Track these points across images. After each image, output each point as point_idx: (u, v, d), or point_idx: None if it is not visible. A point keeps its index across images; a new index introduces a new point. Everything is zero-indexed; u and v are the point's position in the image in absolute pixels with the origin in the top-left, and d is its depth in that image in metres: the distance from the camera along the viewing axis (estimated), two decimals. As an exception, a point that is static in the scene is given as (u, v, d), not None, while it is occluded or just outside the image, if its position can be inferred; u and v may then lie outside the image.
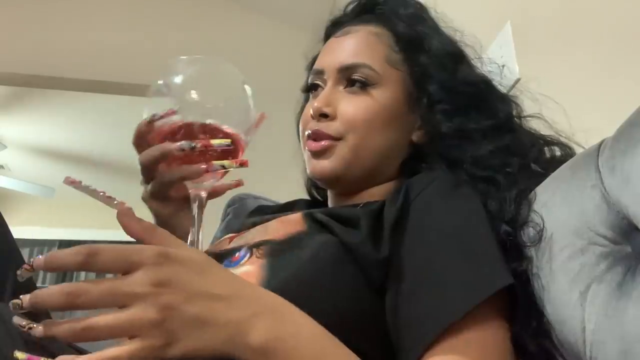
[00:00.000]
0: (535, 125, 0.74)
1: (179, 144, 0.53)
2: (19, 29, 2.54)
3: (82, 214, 4.58)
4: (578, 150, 0.69)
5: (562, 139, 0.71)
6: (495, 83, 0.76)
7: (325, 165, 0.70)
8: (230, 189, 0.72)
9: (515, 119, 0.73)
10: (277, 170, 1.53)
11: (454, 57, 0.75)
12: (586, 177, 0.53)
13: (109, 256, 0.39)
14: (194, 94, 0.54)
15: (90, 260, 0.38)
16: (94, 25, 2.62)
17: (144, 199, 0.66)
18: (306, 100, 0.83)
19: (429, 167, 0.69)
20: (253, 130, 0.59)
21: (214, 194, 0.67)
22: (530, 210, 0.59)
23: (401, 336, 0.52)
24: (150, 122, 0.56)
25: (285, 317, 0.44)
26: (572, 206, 0.54)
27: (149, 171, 0.62)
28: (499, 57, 1.08)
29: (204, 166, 0.54)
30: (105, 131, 3.74)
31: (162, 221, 0.68)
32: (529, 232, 0.58)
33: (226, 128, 0.55)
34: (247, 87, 0.58)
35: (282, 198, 0.91)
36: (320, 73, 0.75)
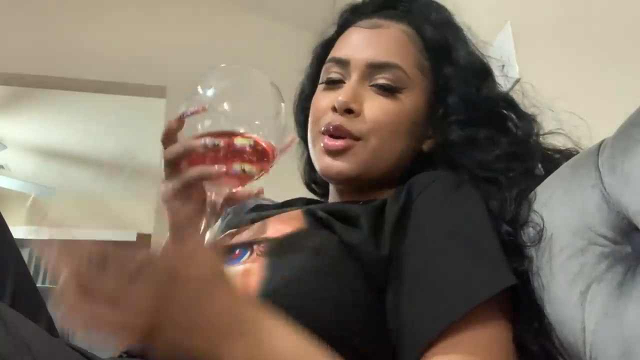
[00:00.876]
0: (553, 138, 0.71)
1: (202, 140, 0.54)
2: (19, 29, 2.54)
3: (82, 214, 4.58)
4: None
5: (580, 150, 0.68)
6: (517, 101, 0.74)
7: (342, 165, 0.68)
8: (250, 197, 0.68)
9: (534, 137, 0.71)
10: (277, 170, 1.53)
11: (480, 74, 0.73)
12: (586, 176, 0.53)
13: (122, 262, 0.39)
14: (227, 105, 0.55)
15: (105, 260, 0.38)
16: (94, 26, 2.62)
17: (163, 198, 0.63)
18: (311, 86, 0.80)
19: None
20: (284, 150, 0.60)
21: (232, 201, 0.65)
22: (531, 210, 0.59)
23: (402, 335, 0.52)
24: (181, 118, 0.56)
25: (263, 341, 0.43)
26: (572, 206, 0.54)
27: (172, 168, 0.60)
28: (499, 57, 1.08)
29: (224, 168, 0.54)
30: (105, 131, 3.75)
31: (178, 222, 0.65)
32: (529, 232, 0.58)
33: (257, 137, 0.55)
34: (282, 104, 0.58)
35: (282, 199, 0.90)
36: (344, 64, 0.71)
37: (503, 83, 0.80)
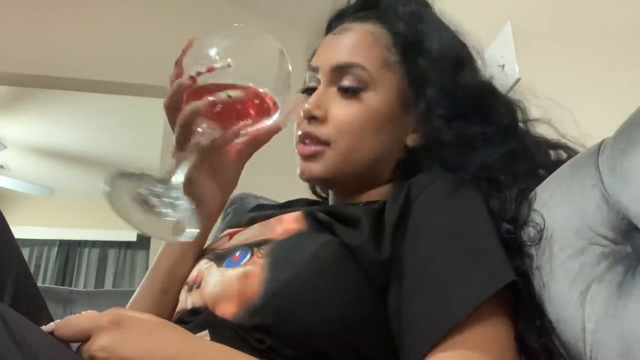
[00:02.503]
0: (543, 129, 0.72)
1: (190, 74, 0.57)
2: (19, 29, 2.54)
3: (82, 214, 4.59)
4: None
5: (569, 143, 0.69)
6: (497, 85, 0.74)
7: (314, 168, 0.70)
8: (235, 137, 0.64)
9: (521, 123, 0.71)
10: (277, 171, 1.53)
11: (456, 61, 0.72)
12: (586, 176, 0.53)
13: (72, 330, 0.46)
14: (231, 60, 0.57)
15: (59, 332, 0.46)
16: (95, 25, 2.62)
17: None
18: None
19: (428, 169, 0.68)
20: (292, 111, 0.61)
21: (219, 144, 0.65)
22: (531, 210, 0.59)
23: (404, 337, 0.52)
24: (193, 77, 0.58)
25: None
26: (573, 206, 0.54)
27: (172, 116, 0.62)
28: (499, 57, 1.09)
29: (211, 98, 0.56)
30: (105, 131, 3.75)
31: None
32: (530, 231, 0.58)
33: (264, 92, 0.57)
34: (288, 64, 0.60)
35: (284, 200, 0.90)
36: (315, 71, 0.74)
37: (503, 83, 0.80)
